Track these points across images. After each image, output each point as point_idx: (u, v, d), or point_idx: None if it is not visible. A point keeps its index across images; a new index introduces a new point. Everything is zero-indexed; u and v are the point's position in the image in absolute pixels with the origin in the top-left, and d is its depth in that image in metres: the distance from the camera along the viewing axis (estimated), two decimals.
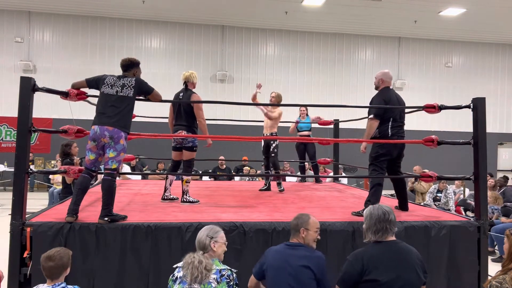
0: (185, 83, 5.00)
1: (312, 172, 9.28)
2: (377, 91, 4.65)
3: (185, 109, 4.86)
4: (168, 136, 4.98)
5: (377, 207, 2.72)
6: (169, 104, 5.05)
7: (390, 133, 4.47)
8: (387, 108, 4.44)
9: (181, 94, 4.97)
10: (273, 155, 6.29)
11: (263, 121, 6.57)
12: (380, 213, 2.65)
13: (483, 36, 16.25)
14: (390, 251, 2.60)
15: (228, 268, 2.75)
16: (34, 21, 14.46)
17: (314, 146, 7.68)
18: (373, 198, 4.40)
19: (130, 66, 4.01)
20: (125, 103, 3.81)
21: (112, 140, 3.72)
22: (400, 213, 4.65)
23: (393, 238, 2.68)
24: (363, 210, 4.34)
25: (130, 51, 14.46)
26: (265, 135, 6.39)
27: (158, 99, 4.13)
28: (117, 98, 3.80)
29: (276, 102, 6.29)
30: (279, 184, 6.31)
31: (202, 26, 15.35)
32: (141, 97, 4.08)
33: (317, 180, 8.04)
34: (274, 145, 6.29)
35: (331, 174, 10.02)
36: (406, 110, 5.44)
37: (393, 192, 5.01)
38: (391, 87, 4.72)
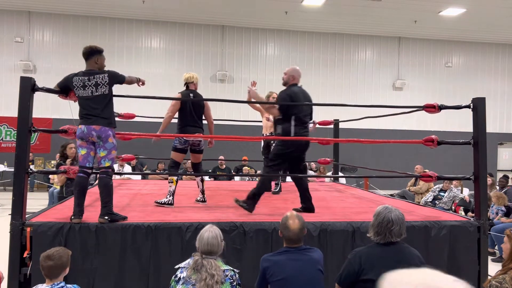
0: (187, 83, 4.96)
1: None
2: (284, 87, 4.63)
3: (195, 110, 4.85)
4: (168, 136, 4.96)
5: (389, 211, 2.61)
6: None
7: (293, 132, 4.43)
8: (290, 104, 4.41)
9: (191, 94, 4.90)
10: None
11: (262, 122, 6.51)
12: (385, 219, 2.58)
13: (483, 36, 16.23)
14: (390, 253, 2.58)
15: (231, 268, 2.76)
16: (34, 21, 14.45)
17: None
18: (258, 189, 4.43)
19: (91, 53, 3.77)
20: (105, 101, 3.71)
21: (101, 140, 3.69)
22: None
23: (396, 240, 2.63)
24: (244, 201, 4.32)
25: (130, 51, 14.43)
26: (264, 135, 6.29)
27: (133, 82, 4.01)
28: (94, 98, 3.68)
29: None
30: (277, 184, 6.16)
31: (202, 26, 15.33)
32: (141, 96, 4.04)
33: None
34: (274, 145, 6.13)
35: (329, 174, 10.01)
36: (406, 110, 5.45)
37: (392, 192, 5.00)
38: (299, 85, 4.69)
